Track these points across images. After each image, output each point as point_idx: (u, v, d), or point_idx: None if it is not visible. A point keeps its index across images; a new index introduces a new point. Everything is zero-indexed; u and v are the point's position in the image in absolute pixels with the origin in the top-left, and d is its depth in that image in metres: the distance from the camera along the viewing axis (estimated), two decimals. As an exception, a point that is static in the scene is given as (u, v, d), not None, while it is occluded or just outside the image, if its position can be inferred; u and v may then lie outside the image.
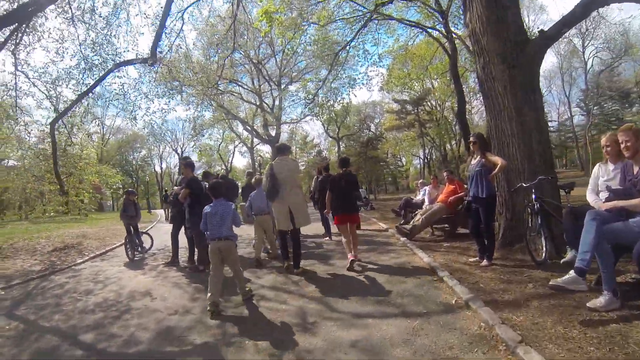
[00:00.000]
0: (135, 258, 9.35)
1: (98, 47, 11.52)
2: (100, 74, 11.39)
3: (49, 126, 11.29)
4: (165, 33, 11.83)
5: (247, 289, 5.17)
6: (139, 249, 9.83)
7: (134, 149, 51.15)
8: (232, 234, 4.88)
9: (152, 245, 10.18)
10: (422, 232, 8.89)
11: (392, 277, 5.62)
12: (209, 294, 4.73)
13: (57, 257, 10.38)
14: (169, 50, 12.48)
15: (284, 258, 6.54)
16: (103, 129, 47.47)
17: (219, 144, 48.73)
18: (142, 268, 8.21)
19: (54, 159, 11.85)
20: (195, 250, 7.33)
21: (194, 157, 53.71)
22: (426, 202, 9.84)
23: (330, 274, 6.22)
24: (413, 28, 17.92)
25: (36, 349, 4.23)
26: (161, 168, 54.53)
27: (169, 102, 13.20)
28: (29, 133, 13.34)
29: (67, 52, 12.70)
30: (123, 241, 9.96)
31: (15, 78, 11.28)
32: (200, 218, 5.11)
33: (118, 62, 11.32)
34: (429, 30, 17.04)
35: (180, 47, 13.30)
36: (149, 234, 10.67)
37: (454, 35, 16.02)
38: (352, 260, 6.28)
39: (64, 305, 5.92)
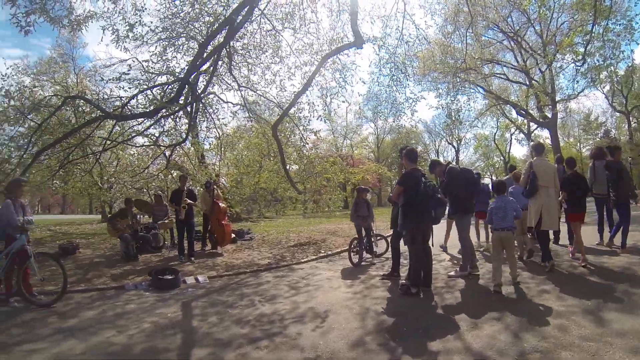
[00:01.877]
0: (363, 263, 9.06)
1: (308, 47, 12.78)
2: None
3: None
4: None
5: (517, 276, 6.18)
6: (371, 252, 9.42)
7: (410, 145, 53.54)
8: (513, 226, 6.26)
9: (386, 250, 9.73)
10: None
11: None
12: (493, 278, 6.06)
13: (291, 252, 11.25)
14: (400, 37, 12.30)
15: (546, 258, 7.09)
16: (377, 129, 54.43)
17: (495, 133, 51.63)
18: (356, 277, 7.81)
19: (281, 161, 13.29)
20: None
21: (469, 150, 58.22)
22: None
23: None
24: None
25: (151, 346, 4.58)
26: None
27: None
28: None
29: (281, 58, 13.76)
30: (348, 244, 9.68)
31: (241, 94, 13.46)
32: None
33: (324, 54, 12.06)
34: None
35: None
36: (385, 238, 10.16)
37: None
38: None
39: (235, 307, 6.06)
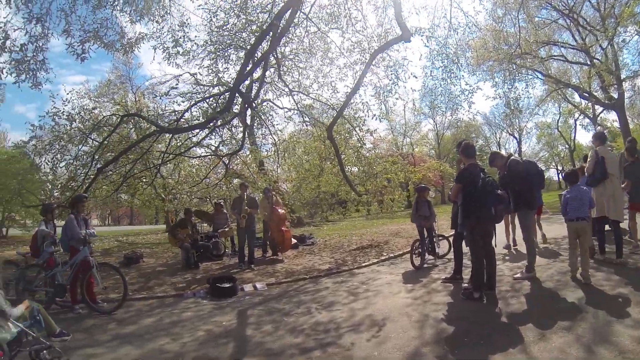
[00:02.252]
0: (425, 265, 8.74)
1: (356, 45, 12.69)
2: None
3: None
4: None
5: (589, 276, 5.87)
6: (433, 254, 9.15)
7: (468, 139, 51.52)
8: (587, 216, 6.29)
9: (449, 251, 9.37)
10: None
11: None
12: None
13: (353, 256, 11.07)
14: (449, 26, 11.92)
15: (600, 250, 7.10)
16: (436, 125, 52.45)
17: (557, 120, 48.83)
18: (417, 281, 7.53)
19: (339, 163, 13.34)
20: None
21: (532, 140, 56.12)
22: None
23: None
24: None
25: (202, 355, 4.63)
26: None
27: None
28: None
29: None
30: (410, 246, 9.43)
31: (293, 99, 13.66)
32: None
33: (373, 52, 11.92)
34: None
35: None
36: (447, 239, 9.63)
37: None
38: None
39: (291, 315, 5.99)
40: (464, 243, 6.71)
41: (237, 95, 10.91)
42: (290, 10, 10.39)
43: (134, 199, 16.22)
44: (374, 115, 12.28)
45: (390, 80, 12.08)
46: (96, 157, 11.54)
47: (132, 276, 9.32)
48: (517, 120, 48.03)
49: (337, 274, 8.94)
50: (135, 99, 20.16)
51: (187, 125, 11.40)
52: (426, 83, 13.10)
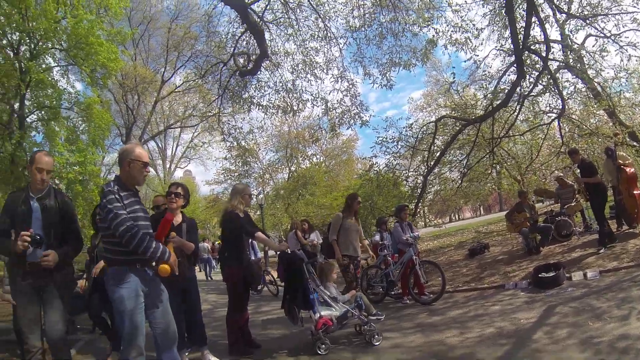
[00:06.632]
0: None
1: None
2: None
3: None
4: None
5: None
6: None
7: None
8: None
9: None
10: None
11: None
12: None
13: None
14: None
15: None
16: None
17: None
18: None
19: None
20: None
21: None
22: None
23: None
24: None
25: (469, 354, 4.34)
26: None
27: None
28: None
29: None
30: None
31: None
32: None
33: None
34: None
35: None
36: None
37: None
38: None
39: (600, 319, 4.64)
40: None
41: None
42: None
43: (484, 188, 16.20)
44: None
45: None
46: (430, 163, 12.29)
47: (470, 267, 9.63)
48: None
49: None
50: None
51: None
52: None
